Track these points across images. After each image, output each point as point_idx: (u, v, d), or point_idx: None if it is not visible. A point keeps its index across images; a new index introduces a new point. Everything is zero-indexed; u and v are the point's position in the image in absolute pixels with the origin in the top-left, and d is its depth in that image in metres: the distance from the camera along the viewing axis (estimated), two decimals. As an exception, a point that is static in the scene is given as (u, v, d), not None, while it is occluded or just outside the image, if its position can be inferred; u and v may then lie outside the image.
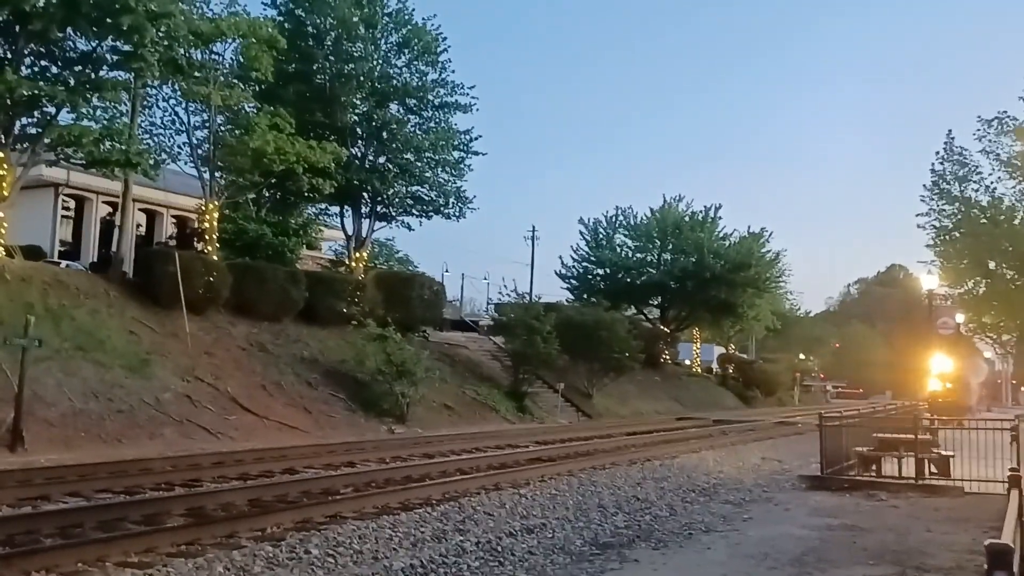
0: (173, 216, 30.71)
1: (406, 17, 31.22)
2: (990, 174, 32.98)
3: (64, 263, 24.35)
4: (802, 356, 70.31)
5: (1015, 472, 6.16)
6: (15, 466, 12.21)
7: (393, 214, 33.23)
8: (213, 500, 10.28)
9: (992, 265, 34.59)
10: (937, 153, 33.91)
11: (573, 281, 49.33)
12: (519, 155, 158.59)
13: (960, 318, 38.76)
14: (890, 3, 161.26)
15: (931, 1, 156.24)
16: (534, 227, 73.81)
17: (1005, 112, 31.52)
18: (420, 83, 31.71)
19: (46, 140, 19.63)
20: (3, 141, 19.07)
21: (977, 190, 33.45)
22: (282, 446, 16.74)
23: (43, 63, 19.64)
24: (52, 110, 19.26)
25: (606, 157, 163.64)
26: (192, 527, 8.66)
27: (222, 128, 25.89)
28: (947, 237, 34.71)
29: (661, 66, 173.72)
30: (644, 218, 49.95)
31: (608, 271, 48.85)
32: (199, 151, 25.68)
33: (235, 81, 25.43)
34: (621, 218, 50.17)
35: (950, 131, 34.19)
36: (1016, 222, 32.84)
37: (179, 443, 16.25)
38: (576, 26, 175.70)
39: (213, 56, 24.68)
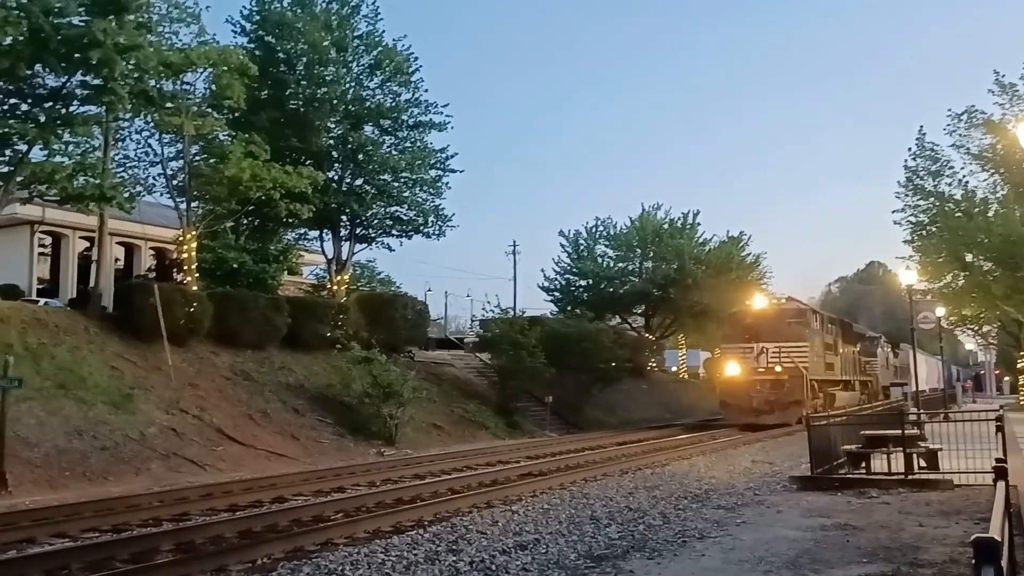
0: (151, 248, 30.51)
1: (376, 39, 31.27)
2: (962, 168, 33.51)
3: (42, 301, 24.13)
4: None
5: (1001, 463, 6.19)
6: (-1, 509, 12.02)
7: (373, 235, 33.16)
8: (202, 533, 10.16)
9: (969, 258, 34.98)
10: (909, 149, 34.44)
11: (556, 294, 49.38)
12: (497, 171, 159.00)
13: (940, 312, 39.15)
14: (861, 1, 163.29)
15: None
16: (515, 242, 74.05)
17: (974, 106, 32.05)
18: (393, 104, 31.74)
19: (19, 178, 19.45)
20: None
21: (950, 184, 33.97)
22: (271, 475, 16.58)
23: (12, 101, 19.47)
24: (23, 147, 19.09)
25: (585, 169, 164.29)
26: (181, 562, 8.56)
27: (196, 158, 25.80)
28: (923, 232, 35.13)
29: (632, 73, 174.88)
30: (624, 228, 50.12)
31: (591, 282, 48.91)
32: (174, 182, 25.55)
33: (208, 110, 25.34)
34: (601, 228, 50.31)
35: (921, 127, 34.75)
36: (990, 214, 33.26)
37: (166, 477, 16.07)
38: (543, 40, 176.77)
39: (184, 86, 24.61)
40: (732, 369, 28.97)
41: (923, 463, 13.68)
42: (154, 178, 26.37)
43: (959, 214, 33.38)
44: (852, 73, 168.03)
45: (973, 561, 2.85)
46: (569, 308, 46.41)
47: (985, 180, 33.67)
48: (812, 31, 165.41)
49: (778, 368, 27.85)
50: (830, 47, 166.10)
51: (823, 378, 29.68)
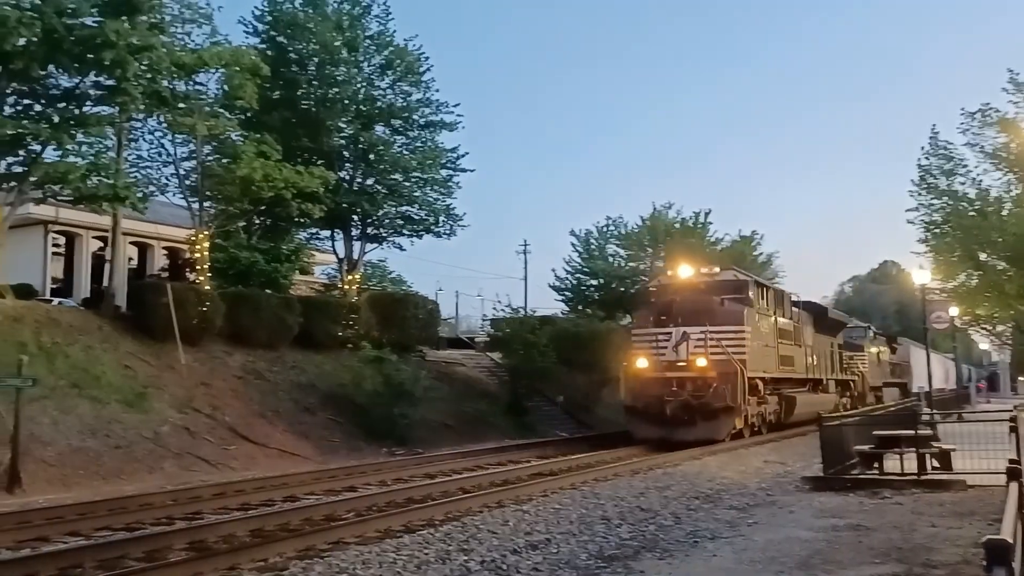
0: (164, 248, 30.63)
1: (388, 39, 31.31)
2: (976, 167, 33.22)
3: (56, 300, 24.27)
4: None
5: (1014, 464, 6.15)
6: (13, 508, 12.10)
7: (384, 235, 33.21)
8: (214, 532, 10.22)
9: (983, 257, 34.69)
10: (923, 148, 34.17)
11: (567, 293, 49.28)
12: (509, 171, 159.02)
13: (954, 311, 38.89)
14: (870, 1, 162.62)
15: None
16: (526, 241, 73.85)
17: (988, 104, 31.78)
18: (405, 103, 31.78)
19: (32, 178, 19.57)
20: (-11, 181, 19.08)
21: (964, 183, 33.66)
22: (283, 474, 16.65)
23: (26, 101, 19.61)
24: (37, 148, 19.22)
25: (596, 169, 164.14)
26: (194, 561, 8.61)
27: (209, 158, 25.89)
28: (937, 231, 34.84)
29: (645, 71, 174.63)
30: (635, 227, 50.01)
31: (601, 281, 48.78)
32: (187, 182, 25.66)
33: (220, 110, 25.43)
34: (612, 228, 50.20)
35: (934, 126, 34.49)
36: (1004, 213, 32.99)
37: (179, 476, 16.16)
38: (554, 40, 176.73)
39: (197, 87, 24.69)
40: (641, 363, 21.23)
41: (936, 463, 13.61)
42: (167, 178, 26.48)
43: (973, 213, 33.11)
44: (863, 78, 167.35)
45: (984, 563, 2.84)
46: (580, 307, 46.32)
47: (999, 179, 33.38)
48: (823, 40, 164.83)
49: (703, 361, 20.55)
50: (837, 51, 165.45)
51: (776, 375, 23.34)
